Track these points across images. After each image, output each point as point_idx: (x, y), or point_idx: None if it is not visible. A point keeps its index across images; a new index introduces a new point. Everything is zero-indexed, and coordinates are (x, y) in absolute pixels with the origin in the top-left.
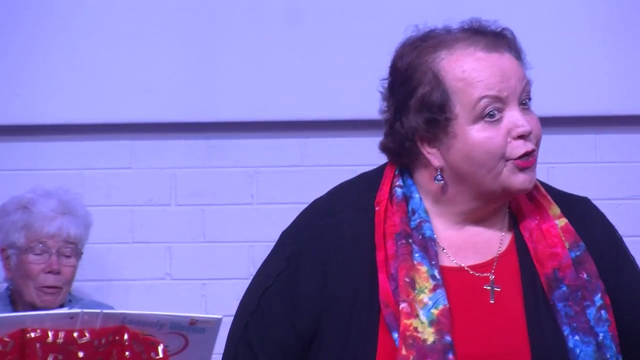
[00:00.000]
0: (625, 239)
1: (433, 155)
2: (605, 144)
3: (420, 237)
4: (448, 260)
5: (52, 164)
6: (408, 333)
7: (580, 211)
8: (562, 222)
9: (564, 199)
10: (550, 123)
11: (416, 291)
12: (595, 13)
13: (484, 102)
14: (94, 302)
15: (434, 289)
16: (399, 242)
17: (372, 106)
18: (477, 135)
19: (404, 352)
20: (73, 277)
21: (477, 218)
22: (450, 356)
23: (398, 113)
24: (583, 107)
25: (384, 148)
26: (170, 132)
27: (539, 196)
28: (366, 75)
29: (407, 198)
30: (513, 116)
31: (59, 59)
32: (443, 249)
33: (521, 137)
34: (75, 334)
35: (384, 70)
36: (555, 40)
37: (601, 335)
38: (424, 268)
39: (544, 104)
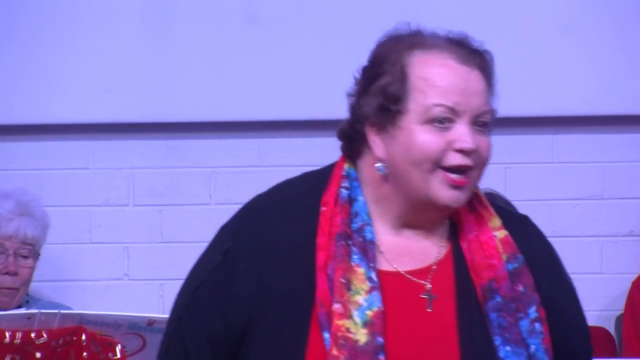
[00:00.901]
0: (581, 239)
1: (377, 145)
2: (563, 144)
3: (360, 239)
4: (386, 264)
5: (10, 165)
6: (340, 333)
7: (520, 226)
8: (502, 234)
9: (505, 213)
10: (508, 123)
11: (351, 292)
12: (553, 13)
13: (437, 109)
14: (52, 303)
15: (370, 291)
16: (339, 243)
17: (329, 106)
18: (421, 135)
19: (334, 352)
20: (30, 278)
21: (415, 225)
22: (382, 357)
23: (359, 96)
24: (540, 107)
25: (339, 132)
26: (128, 133)
27: (480, 207)
28: (323, 76)
29: (351, 200)
30: (461, 130)
31: (14, 60)
32: (382, 253)
33: (461, 151)
34: (32, 335)
35: (341, 71)
36: (512, 40)
37: (533, 347)
38: (361, 270)
39: (501, 104)
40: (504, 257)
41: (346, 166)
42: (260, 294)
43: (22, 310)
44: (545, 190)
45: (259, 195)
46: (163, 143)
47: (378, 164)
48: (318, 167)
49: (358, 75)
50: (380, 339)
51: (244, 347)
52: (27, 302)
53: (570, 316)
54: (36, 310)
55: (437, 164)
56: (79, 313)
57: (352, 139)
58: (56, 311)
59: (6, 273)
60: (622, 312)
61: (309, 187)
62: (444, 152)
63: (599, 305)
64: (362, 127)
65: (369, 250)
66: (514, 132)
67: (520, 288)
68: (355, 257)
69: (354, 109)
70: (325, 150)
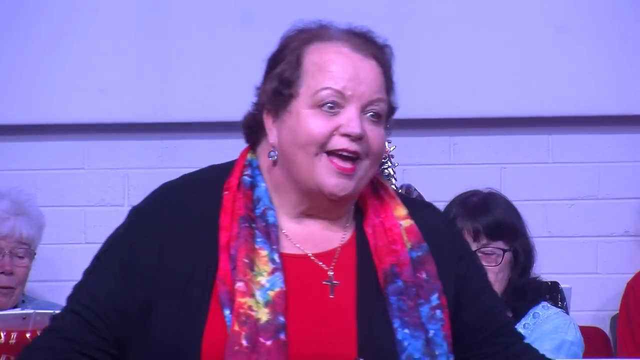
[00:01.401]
0: (576, 239)
1: (271, 132)
2: (558, 144)
3: (263, 224)
4: (291, 247)
5: (5, 165)
6: (242, 310)
7: (427, 216)
8: (407, 222)
9: (412, 202)
10: (503, 123)
11: (254, 273)
12: (548, 14)
13: (325, 92)
14: (47, 303)
15: (272, 272)
16: (242, 225)
17: None
18: (308, 118)
19: (236, 328)
20: (26, 278)
21: (315, 214)
22: (282, 336)
23: (261, 86)
24: (535, 107)
25: (243, 123)
26: (123, 133)
27: (386, 196)
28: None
29: (253, 187)
30: (348, 116)
31: (9, 60)
32: (286, 237)
33: (347, 136)
34: (28, 335)
35: None
36: (507, 40)
37: (432, 332)
38: (264, 252)
39: (497, 105)
40: (408, 245)
41: (249, 156)
42: (162, 267)
43: (18, 311)
44: (540, 191)
45: (168, 181)
46: (158, 143)
47: (271, 151)
48: None
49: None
50: (282, 318)
51: (142, 317)
52: (23, 301)
53: (483, 293)
54: (31, 310)
55: (323, 148)
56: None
57: (252, 129)
58: (51, 311)
59: (1, 272)
60: (618, 312)
61: (214, 175)
62: (330, 136)
63: (594, 306)
64: (260, 115)
65: (271, 233)
66: (508, 132)
67: (424, 275)
68: (258, 240)
69: (257, 98)
70: None
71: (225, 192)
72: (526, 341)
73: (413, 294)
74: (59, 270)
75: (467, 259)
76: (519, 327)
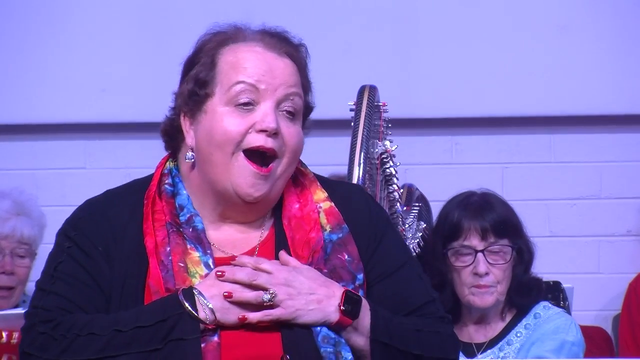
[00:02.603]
0: (578, 239)
1: (189, 135)
2: (560, 144)
3: (191, 229)
4: (217, 251)
5: (6, 164)
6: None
7: (349, 198)
8: (327, 205)
9: (335, 186)
10: (505, 123)
11: (190, 275)
12: (551, 14)
13: (239, 86)
14: None
15: (205, 275)
16: (171, 230)
17: (324, 106)
18: (223, 117)
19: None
20: (27, 278)
21: (234, 217)
22: (215, 338)
23: (177, 91)
24: (537, 107)
25: (162, 130)
26: (125, 132)
27: (305, 181)
28: (319, 77)
29: (175, 195)
30: (263, 111)
31: (11, 60)
32: (210, 242)
33: (263, 131)
34: None
35: (338, 70)
36: (510, 40)
37: None
38: (196, 254)
39: (499, 105)
40: (328, 228)
41: (168, 164)
42: (105, 281)
43: (19, 310)
44: (543, 190)
45: (91, 198)
46: (160, 142)
47: (188, 153)
48: (320, 167)
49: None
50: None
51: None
52: (25, 301)
53: (402, 269)
54: None
55: (239, 147)
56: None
57: (170, 135)
58: None
59: (2, 272)
60: (620, 312)
61: (136, 187)
62: (245, 133)
63: (597, 306)
64: (178, 119)
65: (203, 239)
66: (511, 131)
67: (345, 257)
68: (190, 245)
69: (174, 103)
70: (321, 150)
71: (145, 202)
72: (527, 342)
73: (336, 278)
74: None
75: (386, 235)
76: (520, 327)
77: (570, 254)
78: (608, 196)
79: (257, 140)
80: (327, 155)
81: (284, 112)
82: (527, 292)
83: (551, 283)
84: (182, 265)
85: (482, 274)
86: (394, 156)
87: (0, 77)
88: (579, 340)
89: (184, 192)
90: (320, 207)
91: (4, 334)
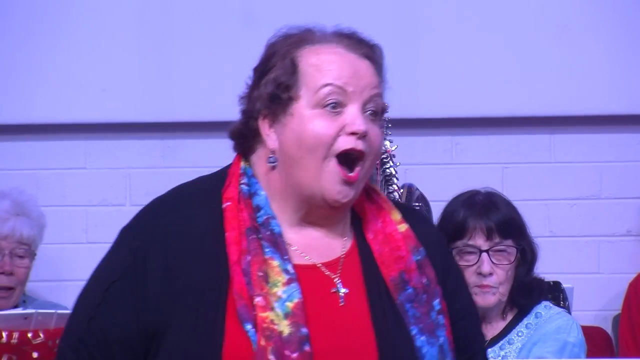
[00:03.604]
0: (578, 239)
1: (270, 137)
2: (560, 144)
3: (268, 232)
4: (298, 257)
5: (6, 164)
6: (265, 325)
7: (417, 220)
8: (403, 227)
9: (401, 207)
10: (505, 123)
11: (269, 285)
12: (551, 13)
13: (327, 89)
14: (48, 303)
15: (288, 282)
16: (250, 237)
17: None
18: (313, 120)
19: (262, 342)
20: (27, 278)
21: (315, 222)
22: (307, 348)
23: (250, 93)
24: (537, 107)
25: (231, 132)
26: (125, 132)
27: (380, 201)
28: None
29: (252, 195)
30: (352, 114)
31: (11, 59)
32: (290, 246)
33: (353, 134)
34: (29, 335)
35: None
36: (510, 40)
37: (441, 338)
38: (275, 262)
39: (499, 104)
40: (410, 249)
41: (242, 164)
42: (171, 292)
43: (19, 310)
44: (543, 190)
45: (158, 197)
46: (160, 143)
47: (270, 157)
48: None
49: (250, 79)
50: (305, 330)
51: (154, 346)
52: (24, 302)
53: (468, 314)
54: (33, 310)
55: (330, 150)
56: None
57: (245, 137)
58: (53, 311)
59: (2, 272)
60: (620, 312)
61: (208, 187)
62: (336, 136)
63: (596, 306)
64: (255, 122)
65: (280, 243)
66: (511, 132)
67: (425, 280)
68: (267, 250)
69: (247, 106)
70: None
71: (227, 204)
72: (529, 341)
73: (424, 301)
74: (60, 270)
75: (456, 273)
76: (521, 327)
77: (570, 254)
78: (608, 196)
79: (348, 143)
80: None
81: (368, 114)
82: (528, 293)
83: (551, 283)
84: (260, 274)
85: (486, 273)
86: (394, 156)
87: (1, 77)
88: (580, 341)
89: (262, 192)
90: (399, 229)
91: (4, 334)
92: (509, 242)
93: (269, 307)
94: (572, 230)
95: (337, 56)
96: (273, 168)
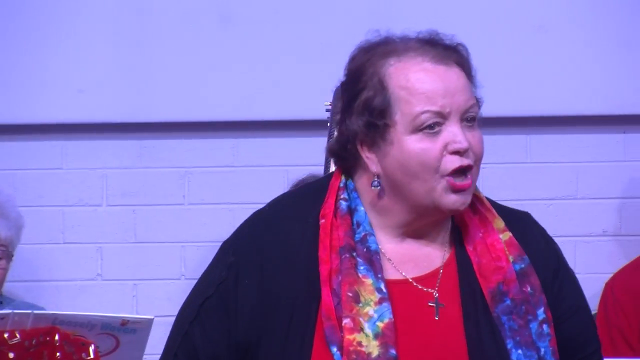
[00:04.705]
0: (555, 239)
1: (371, 161)
2: (536, 144)
3: (365, 249)
4: (393, 272)
5: None
6: (352, 348)
7: (522, 226)
8: (506, 236)
9: (506, 213)
10: (481, 124)
11: (361, 304)
12: (528, 13)
13: (425, 116)
14: (25, 303)
15: (380, 302)
16: (343, 256)
17: (304, 107)
18: (414, 145)
19: None
20: (4, 279)
21: (417, 232)
22: None
23: (344, 115)
24: (514, 107)
25: (330, 150)
26: (102, 133)
27: (483, 209)
28: (298, 76)
29: (351, 211)
30: (452, 131)
31: None
32: (388, 260)
33: (457, 152)
34: (5, 335)
35: (316, 71)
36: (486, 40)
37: (542, 349)
38: (369, 281)
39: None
40: (511, 258)
41: (343, 178)
42: (263, 309)
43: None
44: (519, 191)
45: (258, 210)
46: (137, 143)
47: (374, 181)
48: (292, 167)
49: (340, 93)
50: (393, 351)
51: None
52: (1, 302)
53: (578, 312)
54: (9, 311)
55: (437, 172)
56: (53, 313)
57: (345, 158)
58: (29, 311)
59: None
60: (596, 312)
61: (307, 200)
62: (440, 157)
63: None
64: (352, 145)
65: (375, 261)
66: (487, 132)
67: (529, 289)
68: (361, 268)
69: (342, 128)
70: (299, 151)
71: (322, 221)
72: None
73: (523, 312)
74: (37, 271)
75: (563, 272)
76: None
77: None
78: (584, 196)
79: (454, 162)
80: (305, 156)
81: (465, 122)
82: None
83: None
84: (350, 295)
85: None
86: None
87: None
88: None
89: (361, 208)
90: (501, 238)
91: None
92: None
93: (357, 328)
94: (548, 230)
95: (427, 74)
96: (380, 193)
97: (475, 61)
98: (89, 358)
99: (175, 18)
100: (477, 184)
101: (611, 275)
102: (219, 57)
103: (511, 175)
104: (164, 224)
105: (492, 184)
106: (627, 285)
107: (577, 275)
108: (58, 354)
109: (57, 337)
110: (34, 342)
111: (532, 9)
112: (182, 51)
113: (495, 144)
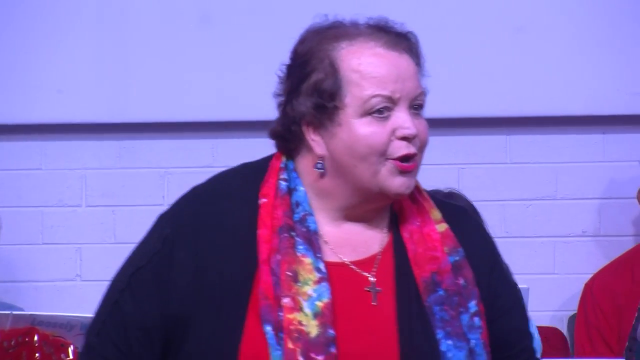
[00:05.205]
0: (534, 240)
1: (316, 143)
2: (516, 145)
3: (304, 229)
4: (331, 254)
5: None
6: (292, 327)
7: (460, 219)
8: (443, 227)
9: (445, 206)
10: (461, 124)
11: (299, 284)
12: (507, 14)
13: (375, 100)
14: (4, 304)
15: (319, 281)
16: (282, 236)
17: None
18: (362, 129)
19: (290, 345)
20: None
21: (357, 216)
22: (333, 350)
23: (290, 96)
24: (493, 108)
25: (272, 133)
26: (81, 133)
27: (421, 199)
28: (277, 77)
29: (291, 191)
30: (401, 117)
31: None
32: (326, 243)
33: (405, 138)
34: None
35: None
36: (465, 40)
37: (473, 341)
38: (308, 260)
39: (455, 105)
40: (446, 250)
41: (284, 158)
42: (197, 284)
43: None
44: (498, 191)
45: (197, 185)
46: (116, 143)
47: (318, 163)
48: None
49: (282, 74)
50: (332, 331)
51: (178, 335)
52: None
53: (511, 310)
54: None
55: (384, 156)
56: (32, 314)
57: (287, 140)
58: (8, 312)
59: None
60: (575, 312)
61: (247, 179)
62: (388, 142)
63: (552, 306)
64: (297, 127)
65: (314, 241)
66: (467, 132)
67: (462, 282)
68: (300, 247)
69: (287, 109)
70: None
71: (263, 201)
72: None
73: (455, 304)
74: (16, 271)
75: (499, 270)
76: None
77: (525, 254)
78: (564, 197)
79: (400, 148)
80: None
81: (413, 110)
82: None
83: None
84: (289, 274)
85: None
86: None
87: None
88: (535, 341)
89: (301, 188)
90: (437, 229)
91: None
92: None
93: (297, 307)
94: (527, 231)
95: (379, 58)
96: (323, 176)
97: (456, 62)
98: (68, 359)
99: (155, 18)
100: (457, 183)
101: (591, 275)
102: (198, 57)
103: (490, 175)
104: (144, 225)
105: (472, 185)
106: (606, 286)
107: (556, 276)
108: (37, 354)
109: (36, 338)
110: (12, 342)
111: (511, 10)
112: (161, 52)
113: (474, 145)
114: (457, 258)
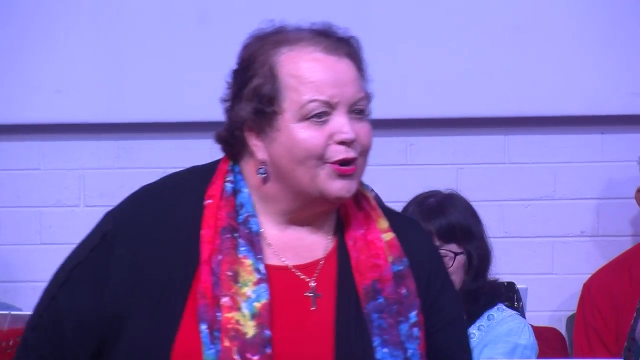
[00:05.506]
0: (532, 240)
1: (258, 148)
2: (514, 145)
3: (247, 231)
4: (273, 257)
5: None
6: (230, 326)
7: (408, 230)
8: (389, 236)
9: (394, 215)
10: (459, 124)
11: (239, 284)
12: (506, 14)
13: (312, 105)
14: (2, 304)
15: (258, 282)
16: (224, 237)
17: None
18: (300, 133)
19: (227, 343)
20: None
21: (302, 220)
22: (268, 351)
23: (234, 101)
24: (492, 108)
25: (217, 137)
26: (79, 133)
27: (368, 207)
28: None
29: (235, 193)
30: (339, 122)
31: None
32: (269, 245)
33: (343, 143)
34: None
35: None
36: (464, 40)
37: (410, 351)
38: (249, 261)
39: (453, 105)
40: (390, 258)
41: (231, 162)
42: (134, 281)
43: None
44: (497, 191)
45: (147, 184)
46: (114, 144)
47: (260, 168)
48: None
49: (229, 79)
50: (268, 332)
51: (114, 334)
52: None
53: (453, 324)
54: None
55: (322, 159)
56: (30, 314)
57: (232, 145)
58: (7, 312)
59: None
60: (574, 312)
61: (195, 180)
62: (326, 146)
63: (551, 306)
64: (240, 132)
65: (255, 243)
66: (465, 132)
67: (404, 291)
68: (242, 249)
69: (230, 114)
70: None
71: (208, 202)
72: (479, 343)
73: (394, 312)
74: (14, 271)
75: (442, 282)
76: (473, 329)
77: (524, 254)
78: (562, 197)
79: (338, 152)
80: None
81: (354, 115)
82: (474, 299)
83: (505, 284)
84: (229, 274)
85: None
86: None
87: None
88: (531, 343)
89: (245, 190)
90: (383, 237)
91: None
92: (451, 246)
93: (235, 307)
94: (526, 231)
95: (317, 63)
96: (264, 178)
97: (454, 63)
98: None
99: (153, 18)
100: (456, 184)
101: (589, 276)
102: (197, 57)
103: (489, 175)
104: None
105: (470, 185)
106: (604, 286)
107: (555, 276)
108: None
109: None
110: (10, 343)
111: (510, 9)
112: (159, 52)
113: (473, 145)
114: (400, 267)
